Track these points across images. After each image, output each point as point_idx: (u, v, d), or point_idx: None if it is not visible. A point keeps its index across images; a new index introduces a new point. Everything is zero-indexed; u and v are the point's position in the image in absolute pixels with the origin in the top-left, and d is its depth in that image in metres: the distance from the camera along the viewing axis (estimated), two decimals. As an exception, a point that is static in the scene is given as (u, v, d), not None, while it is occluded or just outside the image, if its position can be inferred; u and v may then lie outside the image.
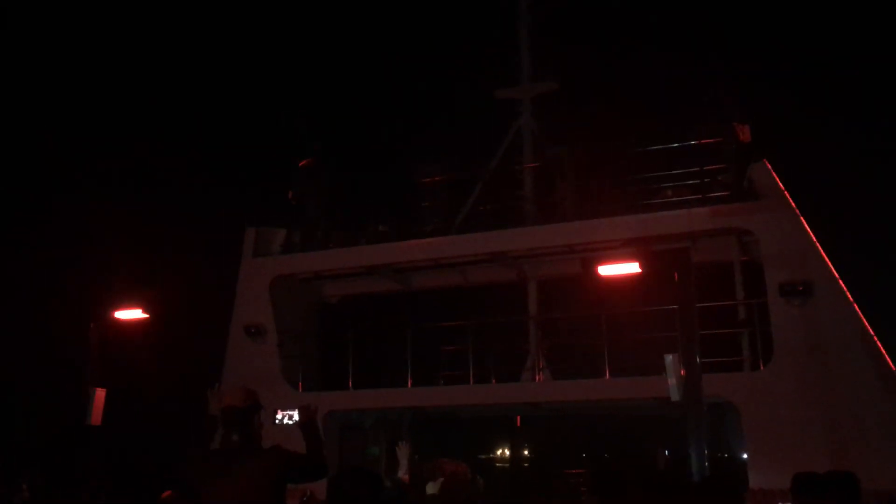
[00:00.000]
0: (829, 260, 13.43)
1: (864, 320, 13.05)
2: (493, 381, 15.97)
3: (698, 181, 14.98)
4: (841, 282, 13.29)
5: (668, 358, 12.15)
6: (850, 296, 13.21)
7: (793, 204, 13.74)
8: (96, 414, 14.94)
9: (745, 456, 14.13)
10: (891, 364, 12.82)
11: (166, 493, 7.43)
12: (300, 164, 17.80)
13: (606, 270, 13.82)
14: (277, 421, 15.35)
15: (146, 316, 16.14)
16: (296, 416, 5.06)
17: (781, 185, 13.88)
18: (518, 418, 20.03)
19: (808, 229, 13.60)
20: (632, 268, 13.54)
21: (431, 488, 12.31)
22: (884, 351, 12.87)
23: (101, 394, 15.01)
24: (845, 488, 4.60)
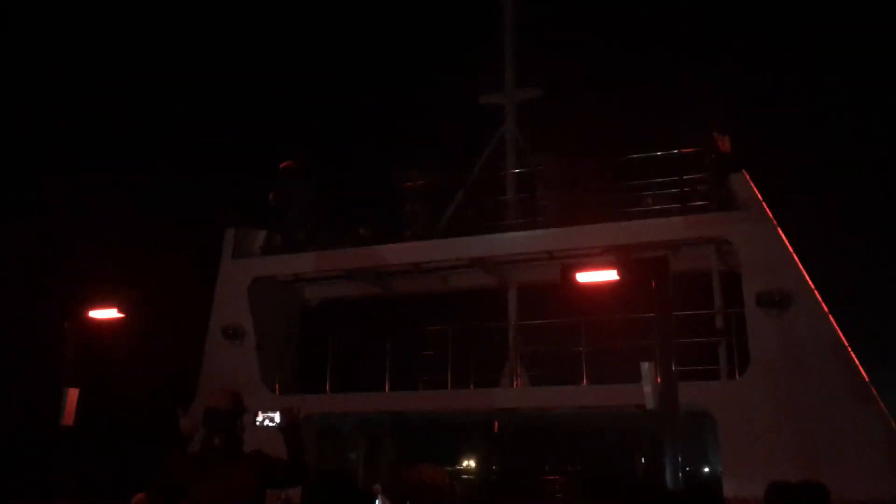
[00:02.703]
0: (806, 271, 13.57)
1: (840, 332, 13.19)
2: (472, 386, 15.98)
3: (678, 190, 15.08)
4: (817, 293, 13.43)
5: (645, 365, 12.21)
6: (825, 307, 13.35)
7: (770, 214, 13.88)
8: (69, 414, 14.76)
9: (707, 470, 14.19)
10: (864, 375, 12.96)
11: (139, 496, 7.36)
12: (281, 166, 17.73)
13: (585, 277, 13.85)
14: (258, 423, 15.21)
15: (122, 315, 15.96)
16: (277, 419, 5.01)
17: (760, 195, 14.02)
18: (496, 423, 20.04)
19: (786, 240, 13.74)
20: (610, 275, 13.59)
21: None
22: (857, 362, 13.02)
23: (73, 394, 14.83)
24: (817, 498, 4.69)
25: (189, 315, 19.74)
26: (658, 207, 15.02)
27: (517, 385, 15.96)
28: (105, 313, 15.82)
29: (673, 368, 11.77)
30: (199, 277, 19.07)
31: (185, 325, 20.05)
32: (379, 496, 12.46)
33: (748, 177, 14.13)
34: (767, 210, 13.89)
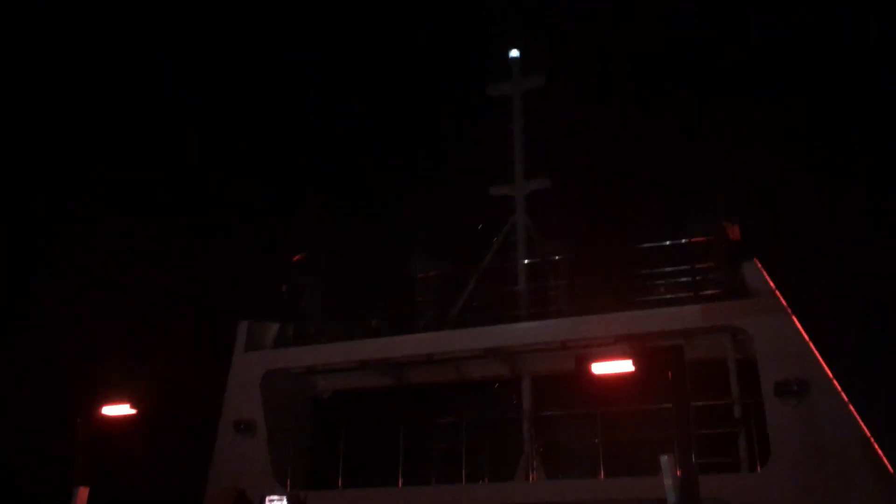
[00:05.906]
0: (824, 359, 13.43)
1: (861, 421, 12.95)
2: (486, 479, 15.66)
3: (690, 279, 15.10)
4: (836, 382, 13.25)
5: (664, 459, 11.94)
6: (845, 396, 13.15)
7: (784, 303, 13.83)
8: (78, 513, 14.52)
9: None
10: (889, 467, 12.65)
11: None
12: (294, 259, 17.94)
13: (600, 368, 13.75)
14: None
15: (134, 411, 15.88)
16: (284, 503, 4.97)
17: (772, 283, 14.01)
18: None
19: (801, 328, 13.64)
20: (625, 366, 13.49)
21: None
22: (881, 453, 12.72)
23: (83, 493, 14.63)
24: None
25: (201, 409, 19.61)
26: (671, 296, 15.02)
27: (533, 479, 15.63)
28: (117, 409, 15.74)
29: (693, 460, 11.54)
30: (211, 371, 19.02)
31: (198, 419, 19.89)
32: None
33: (759, 265, 14.16)
34: (781, 298, 13.86)
